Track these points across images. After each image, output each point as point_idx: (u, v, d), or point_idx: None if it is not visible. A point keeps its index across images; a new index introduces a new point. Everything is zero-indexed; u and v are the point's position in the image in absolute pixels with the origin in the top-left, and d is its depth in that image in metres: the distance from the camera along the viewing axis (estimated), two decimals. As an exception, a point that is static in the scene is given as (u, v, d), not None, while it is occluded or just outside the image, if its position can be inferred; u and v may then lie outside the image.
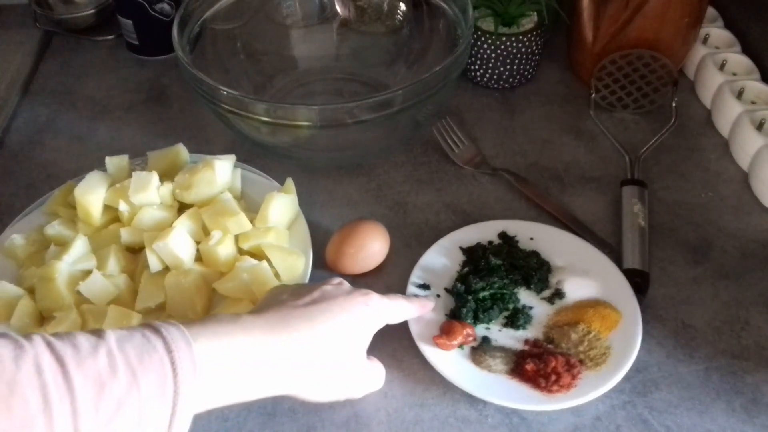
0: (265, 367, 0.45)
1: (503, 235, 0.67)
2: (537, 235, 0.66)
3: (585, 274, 0.63)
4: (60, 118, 0.86)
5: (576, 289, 0.62)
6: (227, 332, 0.44)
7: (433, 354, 0.57)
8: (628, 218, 0.68)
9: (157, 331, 0.41)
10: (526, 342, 0.59)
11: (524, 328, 0.60)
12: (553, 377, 0.54)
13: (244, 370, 0.44)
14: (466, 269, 0.64)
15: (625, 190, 0.70)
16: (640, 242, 0.65)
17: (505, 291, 0.62)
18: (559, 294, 0.62)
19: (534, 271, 0.63)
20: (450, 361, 0.57)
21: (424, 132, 0.79)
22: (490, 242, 0.66)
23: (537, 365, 0.55)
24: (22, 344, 0.37)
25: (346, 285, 0.54)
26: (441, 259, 0.65)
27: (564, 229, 0.68)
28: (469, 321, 0.59)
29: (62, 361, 0.37)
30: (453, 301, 0.62)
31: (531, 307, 0.61)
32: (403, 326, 0.59)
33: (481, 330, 0.60)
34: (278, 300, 0.50)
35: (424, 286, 0.63)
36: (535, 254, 0.65)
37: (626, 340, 0.57)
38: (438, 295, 0.62)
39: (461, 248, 0.66)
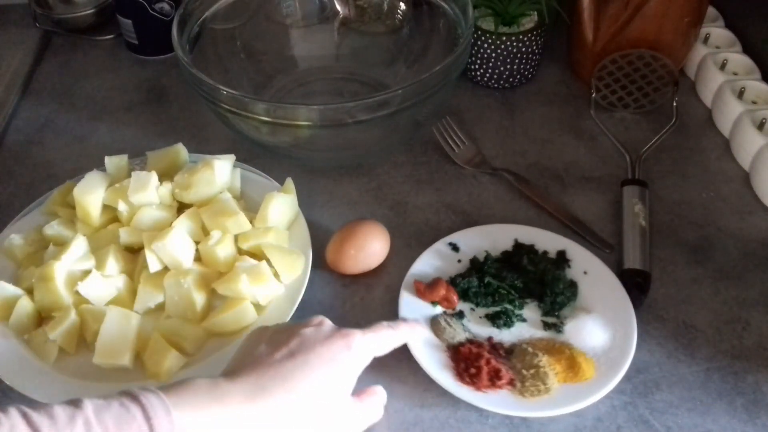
0: None
1: (562, 253, 0.65)
2: (591, 270, 0.63)
3: (600, 324, 0.59)
4: (59, 118, 0.85)
5: (577, 333, 0.59)
6: (203, 404, 0.43)
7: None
8: (629, 218, 0.67)
9: (135, 398, 0.41)
10: (488, 340, 0.59)
11: (500, 329, 0.60)
12: (473, 370, 0.55)
13: None
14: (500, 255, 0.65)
15: (625, 190, 0.70)
16: (641, 242, 0.65)
17: (511, 292, 0.61)
18: (557, 328, 0.60)
19: (556, 296, 0.61)
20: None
21: (424, 132, 0.78)
22: (545, 253, 0.65)
23: (468, 358, 0.56)
24: None
25: (327, 326, 0.51)
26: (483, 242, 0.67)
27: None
28: (458, 291, 0.61)
29: None
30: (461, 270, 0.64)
31: (524, 320, 0.61)
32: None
33: (465, 306, 0.62)
34: (254, 355, 0.48)
35: (453, 246, 0.66)
36: (573, 285, 0.62)
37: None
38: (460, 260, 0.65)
39: (516, 242, 0.66)
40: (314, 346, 0.48)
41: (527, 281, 0.63)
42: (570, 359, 0.56)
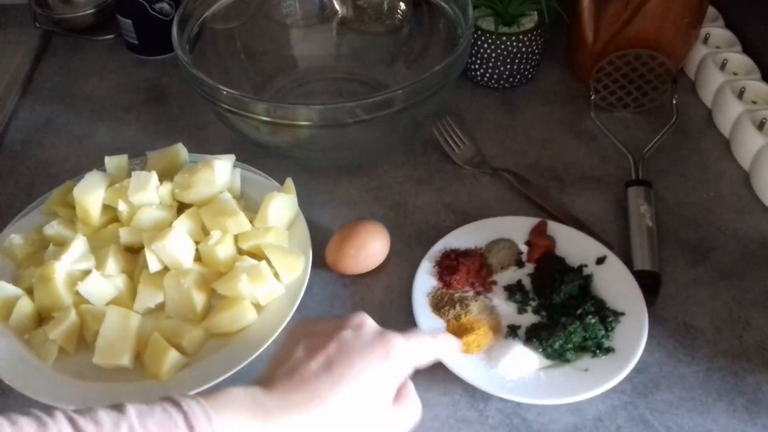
0: None
1: (620, 313, 0.60)
2: (619, 347, 0.58)
3: (525, 368, 0.57)
4: (59, 118, 0.85)
5: (501, 352, 0.57)
6: (241, 415, 0.43)
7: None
8: (635, 219, 0.67)
9: (177, 404, 0.41)
10: (491, 280, 0.64)
11: (504, 297, 0.63)
12: (447, 265, 0.63)
13: None
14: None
15: (630, 191, 0.70)
16: (649, 243, 0.65)
17: (548, 299, 0.61)
18: (513, 334, 0.59)
19: (555, 328, 0.58)
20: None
21: (424, 132, 0.78)
22: (610, 312, 0.60)
23: (460, 256, 0.64)
24: (45, 421, 0.38)
25: (368, 327, 0.48)
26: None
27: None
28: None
29: None
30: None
31: (524, 311, 0.61)
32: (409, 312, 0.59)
33: (526, 268, 0.66)
34: (291, 359, 0.47)
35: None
36: (584, 341, 0.58)
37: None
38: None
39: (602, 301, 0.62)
40: (352, 356, 0.46)
41: (565, 307, 0.60)
42: (469, 329, 0.59)
